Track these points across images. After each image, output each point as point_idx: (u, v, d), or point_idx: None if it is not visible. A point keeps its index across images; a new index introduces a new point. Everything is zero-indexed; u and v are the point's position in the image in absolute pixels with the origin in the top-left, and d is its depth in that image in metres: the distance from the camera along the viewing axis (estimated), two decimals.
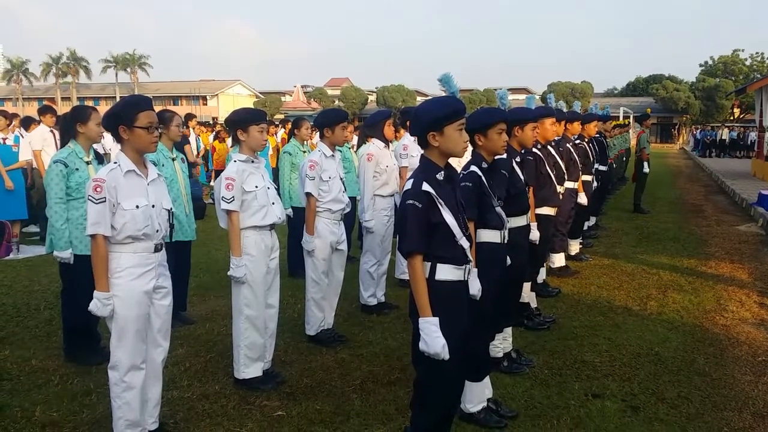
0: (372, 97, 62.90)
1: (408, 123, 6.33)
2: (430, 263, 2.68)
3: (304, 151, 6.77)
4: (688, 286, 6.43)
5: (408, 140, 6.15)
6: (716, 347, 4.69)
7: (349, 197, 5.70)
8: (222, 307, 5.53)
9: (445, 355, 2.55)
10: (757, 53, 57.12)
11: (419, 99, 62.32)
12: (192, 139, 12.14)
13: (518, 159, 4.22)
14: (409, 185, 2.68)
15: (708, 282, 6.59)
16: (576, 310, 5.63)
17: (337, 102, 59.55)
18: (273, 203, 3.92)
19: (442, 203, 2.65)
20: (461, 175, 3.25)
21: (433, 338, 2.54)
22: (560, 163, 6.11)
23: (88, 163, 4.30)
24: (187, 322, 5.22)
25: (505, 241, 3.48)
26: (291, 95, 68.97)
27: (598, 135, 9.16)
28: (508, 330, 4.32)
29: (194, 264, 5.83)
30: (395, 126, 6.88)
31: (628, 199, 12.77)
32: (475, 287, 2.89)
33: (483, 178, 3.31)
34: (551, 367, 4.34)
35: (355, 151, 7.95)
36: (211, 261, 7.45)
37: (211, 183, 14.51)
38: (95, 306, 2.97)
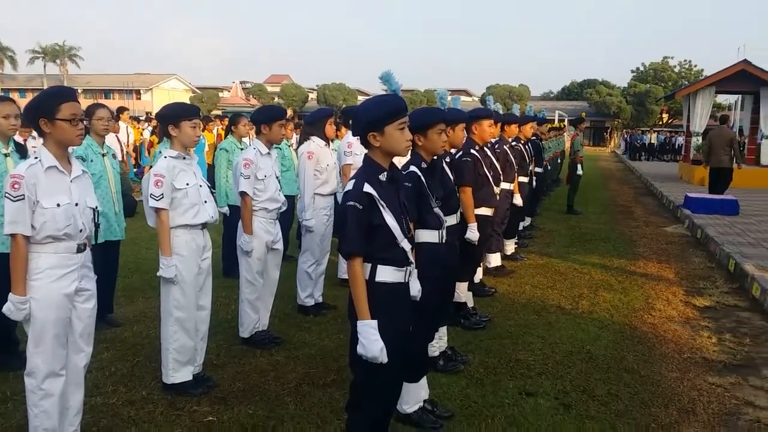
0: (313, 95, 62.46)
1: (350, 122, 6.31)
2: (370, 264, 2.63)
3: (242, 148, 6.63)
4: (618, 285, 6.61)
5: (353, 138, 6.09)
6: (644, 345, 4.83)
7: (288, 196, 5.62)
8: (151, 309, 5.34)
9: (383, 358, 2.51)
10: (685, 61, 59.61)
11: (360, 98, 62.32)
12: (123, 132, 11.71)
13: (447, 159, 4.22)
14: (350, 186, 2.62)
15: (637, 281, 6.80)
16: (511, 309, 5.70)
17: (276, 99, 58.85)
18: (205, 201, 3.79)
19: (384, 205, 2.61)
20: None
21: (371, 341, 2.50)
22: (497, 165, 6.18)
23: (6, 155, 4.05)
24: (114, 325, 5.01)
25: (444, 241, 3.48)
26: (229, 91, 67.84)
27: (534, 137, 9.35)
28: (444, 329, 4.32)
29: (122, 264, 5.61)
30: (336, 124, 6.82)
31: (562, 200, 13.09)
32: (415, 288, 2.86)
33: (422, 179, 3.29)
34: (486, 366, 4.37)
35: (296, 150, 7.85)
36: (141, 261, 7.19)
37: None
38: (8, 309, 2.79)
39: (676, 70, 59.30)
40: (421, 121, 3.36)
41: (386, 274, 2.65)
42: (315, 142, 5.55)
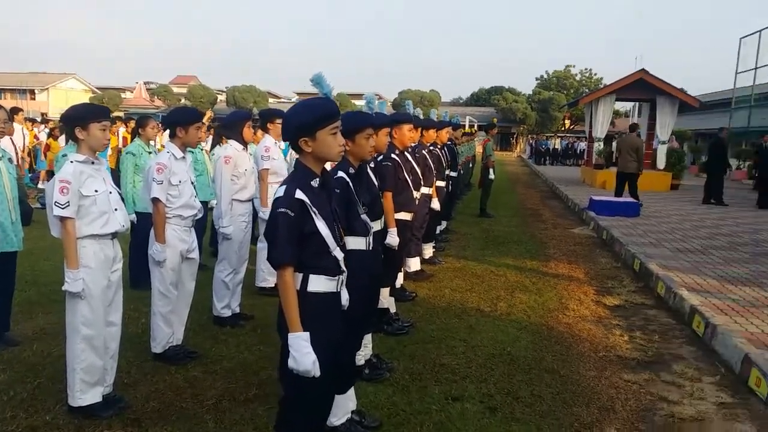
0: (222, 97, 61.03)
1: (267, 125, 6.14)
2: (302, 274, 2.52)
3: (150, 152, 6.31)
4: (533, 286, 6.78)
5: (269, 142, 5.93)
6: (562, 345, 4.95)
7: (201, 201, 5.38)
8: (52, 325, 4.95)
9: (316, 371, 2.40)
10: (585, 69, 62.61)
11: (271, 101, 61.52)
12: (18, 135, 10.90)
13: (372, 164, 4.17)
14: (281, 192, 2.50)
15: (550, 282, 7.00)
16: (432, 313, 5.71)
17: (183, 101, 57.05)
18: (115, 209, 3.54)
19: (316, 212, 2.50)
20: None
21: (303, 354, 2.39)
22: (417, 169, 6.19)
23: None
24: (11, 344, 4.60)
25: (371, 248, 3.41)
26: (132, 92, 65.16)
27: (449, 142, 9.48)
28: (368, 336, 4.26)
29: (19, 276, 5.17)
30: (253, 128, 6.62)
31: (474, 204, 13.37)
32: (344, 297, 2.77)
33: (351, 185, 3.21)
34: (412, 372, 4.34)
35: (209, 153, 7.58)
36: (38, 272, 6.69)
37: (40, 185, 13.22)
38: None
39: (578, 78, 62.21)
40: (349, 125, 3.28)
41: (319, 283, 2.55)
42: (232, 146, 5.35)
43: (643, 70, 18.95)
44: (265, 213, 6.04)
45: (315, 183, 2.56)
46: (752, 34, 28.92)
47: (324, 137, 2.53)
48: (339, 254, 2.61)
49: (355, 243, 3.29)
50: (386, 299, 5.10)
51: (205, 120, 9.01)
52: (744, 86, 30.50)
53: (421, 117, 7.14)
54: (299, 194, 2.47)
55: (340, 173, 3.23)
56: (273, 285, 6.27)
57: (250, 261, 5.76)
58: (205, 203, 6.53)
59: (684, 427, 3.64)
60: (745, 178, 22.60)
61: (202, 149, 7.41)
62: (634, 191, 13.51)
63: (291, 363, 2.42)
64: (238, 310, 5.44)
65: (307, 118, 2.51)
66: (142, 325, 5.03)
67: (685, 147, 25.41)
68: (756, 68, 28.80)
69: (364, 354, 4.19)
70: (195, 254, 4.56)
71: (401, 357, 4.61)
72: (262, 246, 6.23)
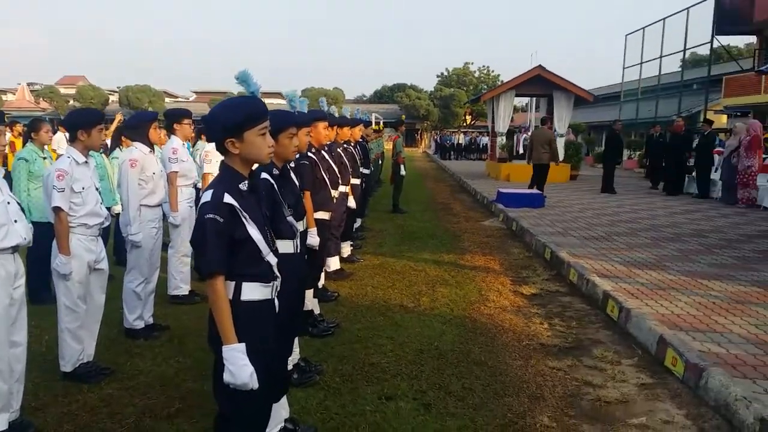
0: (114, 97, 58.25)
1: (173, 125, 5.85)
2: (234, 282, 2.37)
3: (44, 158, 5.86)
4: (452, 280, 6.85)
5: (177, 143, 5.67)
6: (486, 336, 5.01)
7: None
8: None
9: (254, 384, 2.27)
10: (483, 66, 64.50)
11: (168, 100, 59.32)
12: None
13: (292, 164, 4.04)
14: (208, 196, 2.33)
15: (468, 275, 7.10)
16: (357, 312, 5.64)
17: (72, 102, 53.98)
18: (15, 221, 3.23)
19: (247, 217, 2.36)
20: None
21: (239, 367, 2.24)
22: (334, 167, 6.09)
23: None
24: None
25: (299, 251, 3.29)
26: (14, 93, 61.00)
27: (361, 139, 9.43)
28: (295, 340, 4.13)
29: None
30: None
31: (386, 200, 13.43)
32: (276, 303, 2.64)
33: (275, 186, 3.07)
34: (342, 374, 4.24)
35: (108, 156, 7.16)
36: None
37: None
38: None
39: (476, 75, 63.98)
40: (272, 125, 3.15)
41: (252, 291, 2.40)
42: (138, 149, 5.04)
43: (540, 66, 19.72)
44: (175, 218, 5.76)
45: (244, 186, 2.42)
46: (637, 30, 30.78)
47: (252, 138, 2.39)
48: (272, 259, 2.48)
49: (283, 246, 3.15)
50: (310, 301, 4.98)
51: (116, 124, 8.51)
52: (631, 80, 32.44)
53: (336, 115, 7.04)
54: (228, 198, 2.32)
55: (264, 174, 3.09)
56: (187, 293, 6.00)
57: (162, 269, 5.47)
58: (107, 209, 6.18)
59: (610, 409, 3.75)
60: (637, 167, 24.00)
61: (101, 153, 6.98)
62: (542, 183, 14.02)
63: (227, 377, 2.27)
64: (151, 321, 5.15)
65: (234, 118, 2.36)
66: (47, 342, 4.65)
67: (580, 139, 26.67)
68: (641, 63, 30.67)
69: (291, 358, 4.06)
70: (104, 264, 4.26)
71: (329, 359, 4.51)
72: (173, 252, 5.95)
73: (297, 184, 3.93)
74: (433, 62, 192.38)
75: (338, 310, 5.68)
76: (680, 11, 26.73)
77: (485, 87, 57.17)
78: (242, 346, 2.27)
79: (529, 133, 28.43)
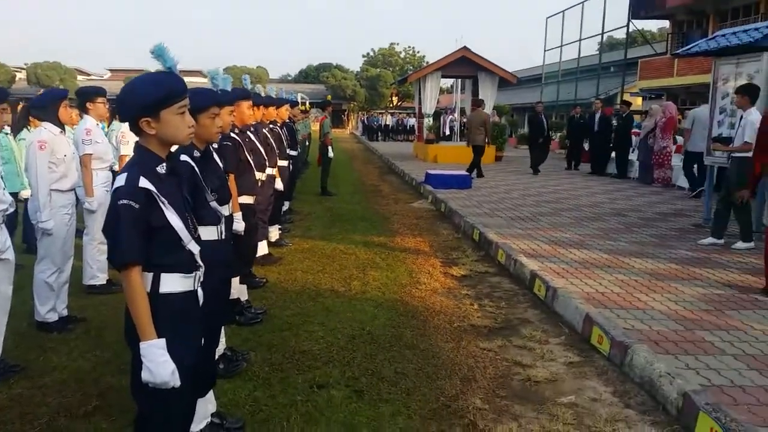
0: (21, 75, 54.90)
1: (86, 104, 5.49)
2: (152, 274, 2.20)
3: None
4: (383, 262, 6.80)
5: (91, 123, 5.34)
6: (418, 319, 4.99)
7: (10, 193, 4.68)
8: None
9: (175, 382, 2.12)
10: (409, 47, 64.69)
11: (81, 78, 56.44)
12: None
13: (215, 145, 3.84)
14: (121, 181, 2.14)
15: (399, 257, 7.07)
16: (286, 298, 5.50)
17: None
18: None
19: (165, 202, 2.18)
20: None
21: (158, 364, 2.08)
22: (260, 149, 5.89)
23: None
24: None
25: (223, 237, 3.13)
26: None
27: (288, 120, 9.20)
28: (221, 330, 3.97)
29: None
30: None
31: (313, 182, 13.26)
32: (199, 294, 2.49)
33: (196, 169, 2.89)
34: (271, 363, 4.11)
35: (15, 138, 6.68)
36: None
37: None
38: None
39: (402, 56, 64.08)
40: (193, 104, 2.95)
41: (173, 283, 2.24)
42: (47, 129, 4.68)
43: (465, 47, 19.87)
44: (90, 203, 5.43)
45: (162, 169, 2.23)
46: (557, 14, 31.53)
47: (170, 117, 2.21)
48: (194, 248, 2.32)
49: (206, 233, 2.99)
50: (237, 288, 4.80)
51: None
52: (552, 63, 33.28)
53: (263, 94, 6.81)
54: (144, 182, 2.13)
55: (184, 157, 2.90)
56: (104, 282, 5.69)
57: (76, 256, 5.15)
58: (14, 194, 5.78)
59: (540, 389, 3.80)
60: (558, 148, 24.66)
61: (7, 134, 6.50)
62: (476, 163, 14.43)
63: (145, 375, 2.11)
64: (65, 313, 4.84)
65: (150, 95, 2.17)
66: None
67: (504, 120, 27.19)
68: (561, 46, 31.47)
69: (218, 349, 3.90)
70: (9, 254, 3.94)
71: (258, 348, 4.36)
72: (88, 240, 5.61)
73: (221, 166, 3.76)
74: (358, 42, 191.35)
75: (267, 296, 5.53)
76: None
77: (411, 68, 57.37)
78: (162, 341, 2.11)
79: (455, 115, 28.74)
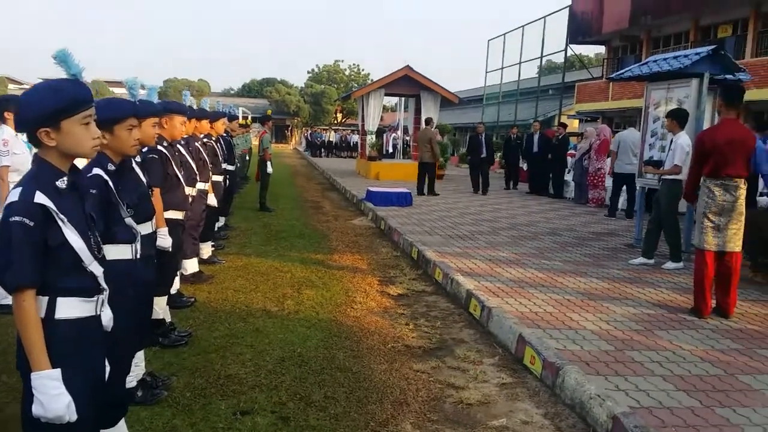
0: None
1: (3, 114, 5.19)
2: (47, 298, 2.01)
3: None
4: (319, 281, 6.65)
5: (8, 134, 5.02)
6: (352, 340, 4.86)
7: None
8: None
9: (71, 416, 1.93)
10: (354, 65, 64.95)
11: (12, 87, 54.19)
12: None
13: (138, 159, 3.65)
14: (15, 196, 1.95)
15: (335, 275, 6.94)
16: (215, 318, 5.28)
17: None
18: None
19: (65, 219, 2.00)
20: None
21: (52, 397, 1.90)
22: (191, 163, 5.69)
23: None
24: None
25: (138, 256, 2.94)
26: None
27: (225, 134, 8.98)
28: (140, 354, 3.75)
29: None
30: None
31: (252, 198, 13.00)
32: (106, 317, 2.30)
33: (110, 183, 2.71)
34: (194, 389, 3.90)
35: None
36: None
37: None
38: None
39: (347, 73, 64.27)
40: (107, 115, 2.79)
41: (70, 308, 2.06)
42: None
43: (408, 66, 20.04)
44: None
45: (62, 183, 2.06)
46: (498, 36, 32.26)
47: (71, 128, 2.05)
48: (97, 269, 2.14)
49: (118, 252, 2.80)
50: (161, 308, 4.58)
51: None
52: (493, 84, 33.98)
53: (195, 107, 6.60)
54: (40, 198, 1.96)
55: (97, 170, 2.72)
56: None
57: None
58: None
59: (472, 411, 3.73)
60: (498, 167, 25.05)
61: None
62: (432, 182, 15.12)
63: (37, 409, 1.92)
64: None
65: (49, 104, 2.01)
66: None
67: (446, 139, 27.50)
68: (502, 68, 32.17)
69: (135, 374, 3.68)
70: None
71: (181, 372, 4.15)
72: None
73: (144, 180, 3.57)
74: (303, 58, 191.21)
75: (194, 316, 5.30)
76: (538, 19, 28.35)
77: (356, 85, 57.59)
78: (56, 372, 1.93)
79: (399, 133, 28.86)
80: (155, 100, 4.23)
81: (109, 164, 2.84)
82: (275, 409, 3.67)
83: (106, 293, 2.22)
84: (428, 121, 15.95)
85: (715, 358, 4.31)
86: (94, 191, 2.64)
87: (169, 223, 4.48)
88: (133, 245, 2.87)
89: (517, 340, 4.60)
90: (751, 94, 7.34)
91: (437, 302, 6.07)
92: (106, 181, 2.74)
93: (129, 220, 2.83)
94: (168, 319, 4.75)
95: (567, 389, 3.80)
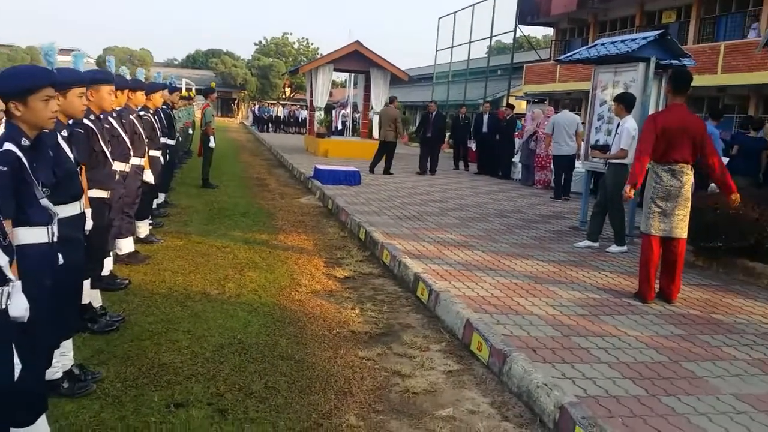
0: None
1: None
2: None
3: None
4: (263, 262, 6.43)
5: None
6: (295, 326, 4.68)
7: None
8: None
9: None
10: (303, 38, 63.87)
11: None
12: None
13: (65, 132, 3.35)
14: None
15: (280, 256, 6.72)
16: (150, 302, 5.01)
17: None
18: None
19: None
20: None
21: None
22: (124, 137, 5.36)
23: None
24: None
25: (55, 239, 2.68)
26: None
27: (164, 107, 8.58)
28: (68, 342, 3.50)
29: None
30: None
31: (195, 173, 12.58)
32: (20, 308, 2.07)
33: (24, 160, 2.44)
34: (125, 379, 3.67)
35: None
36: None
37: None
38: None
39: (296, 46, 63.15)
40: (20, 84, 2.51)
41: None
42: None
43: (357, 42, 19.70)
44: None
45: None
46: (449, 14, 32.10)
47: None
48: (2, 259, 1.91)
49: (33, 235, 2.55)
50: (88, 293, 4.29)
51: None
52: (443, 63, 33.88)
53: (128, 77, 6.21)
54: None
55: (8, 146, 2.44)
56: None
57: None
58: None
59: (418, 401, 3.62)
60: (447, 147, 25.06)
61: None
62: (389, 161, 14.90)
63: None
64: None
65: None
66: None
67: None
68: (452, 47, 32.07)
69: (61, 365, 3.43)
70: None
71: (111, 360, 3.89)
72: None
73: (72, 156, 3.29)
74: (250, 30, 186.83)
75: (128, 300, 5.01)
76: None
77: (305, 59, 56.67)
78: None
79: (348, 110, 28.55)
80: (81, 68, 3.89)
81: (23, 139, 2.56)
82: (212, 401, 3.47)
83: (12, 284, 1.98)
84: (392, 100, 15.71)
85: (659, 344, 4.32)
86: (5, 169, 2.37)
87: (93, 202, 4.16)
88: (49, 228, 2.62)
89: (465, 325, 4.51)
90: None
91: (384, 285, 5.95)
92: (20, 158, 2.46)
93: (45, 201, 2.57)
94: (97, 303, 4.47)
95: (514, 377, 3.73)
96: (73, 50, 4.04)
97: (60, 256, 2.80)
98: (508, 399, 3.65)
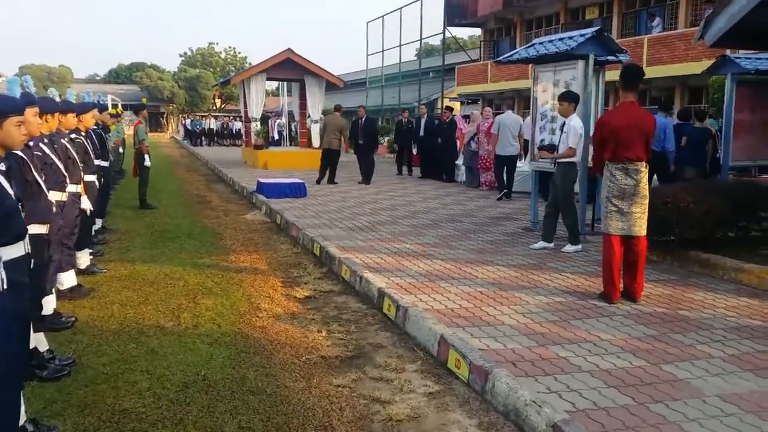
0: None
1: None
2: None
3: None
4: (217, 287, 6.12)
5: None
6: (262, 355, 4.43)
7: None
8: None
9: None
10: (230, 47, 62.73)
11: None
12: None
13: (2, 167, 3.02)
14: None
15: (234, 279, 6.43)
16: (101, 340, 4.66)
17: None
18: None
19: None
20: None
21: None
22: (58, 165, 4.99)
23: None
24: None
25: (5, 286, 2.39)
26: None
27: (96, 127, 8.12)
28: (19, 396, 3.16)
29: None
30: None
31: (130, 194, 12.05)
32: None
33: None
34: (84, 429, 3.36)
35: None
36: None
37: None
38: None
39: (223, 56, 61.99)
40: None
41: None
42: None
43: (289, 49, 19.40)
44: None
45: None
46: (377, 18, 32.09)
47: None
48: None
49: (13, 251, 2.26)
50: (33, 337, 3.92)
51: None
52: (375, 67, 33.86)
53: (57, 99, 5.81)
54: None
55: None
56: None
57: None
58: None
59: (403, 428, 3.45)
60: (387, 152, 25.02)
61: None
62: (333, 170, 14.75)
63: None
64: None
65: None
66: None
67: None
68: (383, 51, 32.10)
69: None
70: None
71: (67, 411, 3.57)
72: None
73: (11, 193, 2.98)
74: (174, 41, 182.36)
75: (76, 339, 4.65)
76: (415, 1, 28.39)
77: (233, 69, 55.76)
78: None
79: (283, 119, 28.13)
80: (17, 94, 3.56)
81: None
82: None
83: None
84: (338, 108, 15.45)
85: (634, 347, 4.30)
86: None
87: (31, 239, 3.81)
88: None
89: (439, 341, 4.37)
90: (613, 75, 7.59)
91: (348, 303, 5.75)
92: None
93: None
94: (44, 347, 4.11)
95: (499, 395, 3.61)
96: None
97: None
98: (495, 419, 3.53)
